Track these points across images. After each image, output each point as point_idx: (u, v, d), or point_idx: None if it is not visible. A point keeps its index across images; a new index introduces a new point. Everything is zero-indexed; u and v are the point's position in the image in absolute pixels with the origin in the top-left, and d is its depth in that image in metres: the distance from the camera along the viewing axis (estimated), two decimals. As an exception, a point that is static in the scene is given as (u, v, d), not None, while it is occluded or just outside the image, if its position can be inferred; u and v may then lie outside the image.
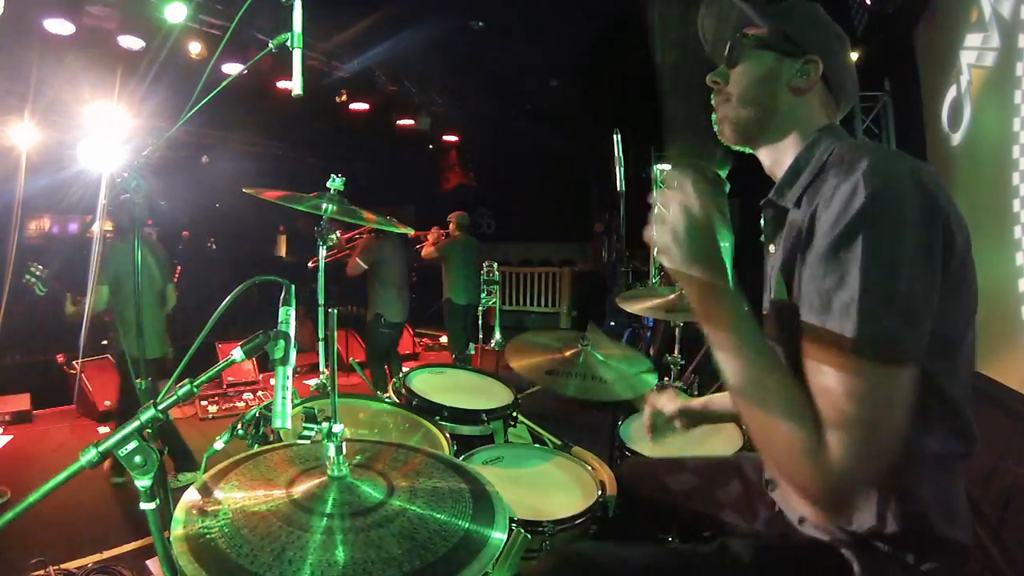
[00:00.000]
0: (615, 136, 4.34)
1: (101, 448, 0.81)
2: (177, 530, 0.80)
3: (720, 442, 1.92)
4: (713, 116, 1.07)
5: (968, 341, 0.88)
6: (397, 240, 4.77)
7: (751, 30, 1.02)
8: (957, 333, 0.86)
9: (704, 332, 0.89)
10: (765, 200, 1.04)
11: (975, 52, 3.01)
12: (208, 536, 0.79)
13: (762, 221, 1.08)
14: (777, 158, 1.03)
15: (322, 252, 2.26)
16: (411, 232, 2.51)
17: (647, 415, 1.46)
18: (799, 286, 0.86)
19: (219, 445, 1.17)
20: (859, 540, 0.92)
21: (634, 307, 2.40)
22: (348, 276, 4.61)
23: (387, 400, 1.99)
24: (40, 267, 3.52)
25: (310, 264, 4.77)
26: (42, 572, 2.37)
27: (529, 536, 1.30)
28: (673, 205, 0.88)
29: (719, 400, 1.41)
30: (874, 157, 0.82)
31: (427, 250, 5.44)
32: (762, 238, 1.09)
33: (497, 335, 4.14)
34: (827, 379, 0.79)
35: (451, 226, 5.46)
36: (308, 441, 0.92)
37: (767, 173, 1.07)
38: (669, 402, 1.43)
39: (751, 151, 1.08)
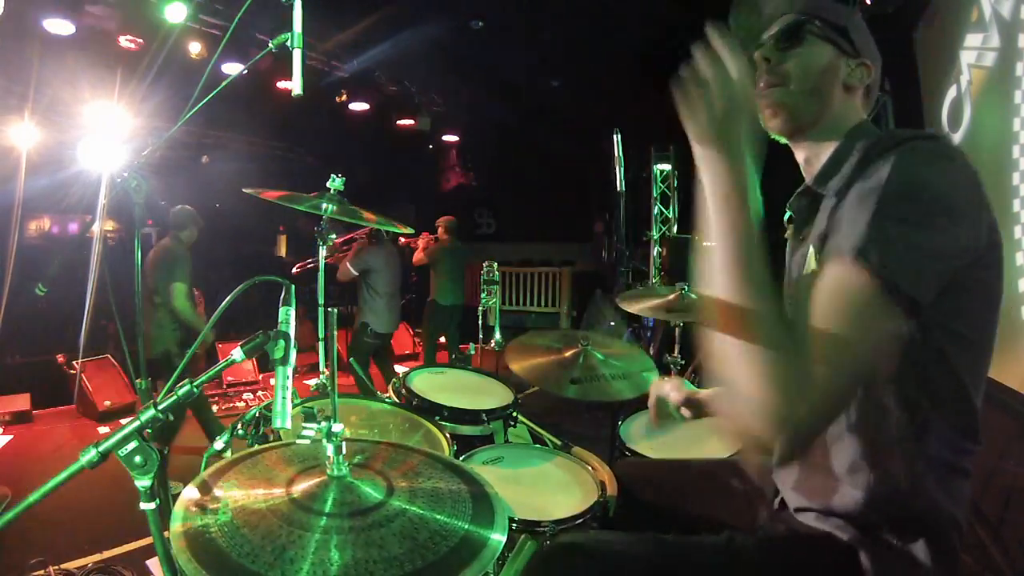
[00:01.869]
0: (615, 136, 4.35)
1: (101, 448, 0.80)
2: (176, 528, 0.80)
3: (720, 443, 1.92)
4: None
5: (988, 336, 0.90)
6: (392, 249, 4.72)
7: (821, 19, 1.01)
8: (980, 326, 0.88)
9: (714, 220, 0.83)
10: (802, 189, 1.05)
11: (975, 52, 3.01)
12: (208, 535, 0.79)
13: (788, 213, 1.09)
14: (817, 152, 1.04)
15: (322, 252, 2.26)
16: (410, 232, 2.50)
17: (653, 402, 1.44)
18: (832, 241, 0.86)
19: (219, 445, 1.16)
20: (860, 529, 0.92)
21: (634, 307, 2.40)
22: (338, 281, 4.54)
23: (387, 400, 1.99)
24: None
25: (295, 269, 4.77)
26: (42, 572, 2.37)
27: (537, 544, 1.30)
28: (717, 75, 0.79)
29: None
30: (918, 140, 0.85)
31: (417, 256, 5.44)
32: (786, 234, 1.11)
33: (497, 335, 4.14)
34: (820, 296, 0.79)
35: (440, 230, 5.46)
36: (308, 441, 0.92)
37: (801, 166, 1.08)
38: (674, 391, 1.40)
39: (787, 141, 1.06)
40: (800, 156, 1.07)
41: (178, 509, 0.84)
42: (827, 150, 1.02)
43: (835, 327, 0.76)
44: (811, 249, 0.97)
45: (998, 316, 0.91)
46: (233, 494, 0.89)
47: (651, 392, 1.45)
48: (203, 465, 1.12)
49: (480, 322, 4.41)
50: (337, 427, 0.92)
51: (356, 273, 4.48)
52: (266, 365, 5.72)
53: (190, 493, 0.89)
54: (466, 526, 0.88)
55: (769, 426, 0.77)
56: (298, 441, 0.92)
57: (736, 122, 0.79)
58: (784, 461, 1.09)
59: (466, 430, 1.91)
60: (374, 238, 4.54)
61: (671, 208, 7.74)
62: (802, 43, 1.00)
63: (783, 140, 1.06)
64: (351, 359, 5.54)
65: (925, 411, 0.87)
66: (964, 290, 0.83)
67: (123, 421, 0.83)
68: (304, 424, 0.91)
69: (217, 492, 0.89)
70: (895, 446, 0.89)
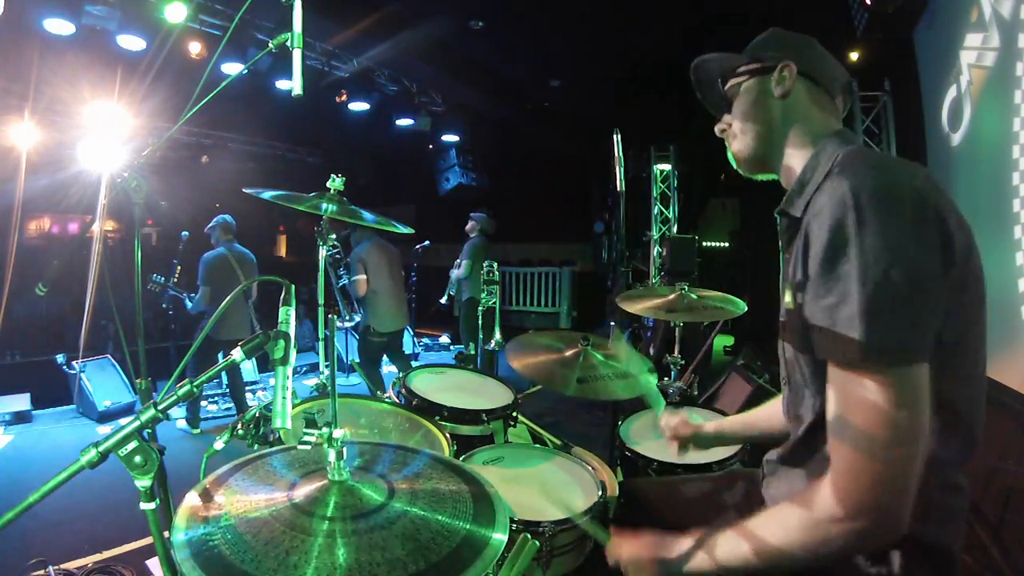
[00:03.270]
0: (615, 136, 4.33)
1: (101, 448, 0.80)
2: (179, 537, 0.80)
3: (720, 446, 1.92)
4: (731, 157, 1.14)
5: (969, 343, 0.87)
6: (386, 244, 4.58)
7: (733, 76, 1.10)
8: (957, 335, 0.85)
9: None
10: (778, 209, 1.05)
11: (975, 52, 3.01)
12: (211, 543, 0.79)
13: (779, 228, 1.09)
14: (790, 172, 1.05)
15: (322, 252, 2.26)
16: (410, 231, 2.48)
17: (669, 435, 1.46)
18: (804, 302, 0.87)
19: (219, 445, 1.17)
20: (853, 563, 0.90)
21: (634, 307, 2.40)
22: (362, 296, 4.43)
23: (387, 400, 1.99)
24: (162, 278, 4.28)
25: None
26: (42, 572, 2.37)
27: (538, 544, 1.30)
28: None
29: (730, 425, 1.44)
30: (862, 167, 0.84)
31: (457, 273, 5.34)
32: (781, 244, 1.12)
33: (497, 335, 4.14)
34: (843, 396, 0.80)
35: (469, 224, 5.43)
36: (308, 447, 0.92)
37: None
38: (683, 426, 1.44)
39: (774, 176, 1.10)
40: (783, 183, 1.09)
41: (180, 518, 0.84)
42: (797, 166, 1.02)
43: (885, 424, 0.77)
44: (788, 286, 0.96)
45: (981, 324, 0.89)
46: (235, 500, 0.89)
47: (663, 427, 1.47)
48: (203, 465, 1.12)
49: (480, 322, 4.41)
50: (338, 432, 0.91)
51: (365, 276, 4.38)
52: (266, 365, 5.72)
53: (192, 500, 0.89)
54: (467, 526, 0.88)
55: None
56: (299, 446, 0.91)
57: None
58: (770, 480, 1.09)
59: (466, 430, 1.92)
60: (355, 233, 4.48)
61: (671, 208, 7.75)
62: (733, 102, 1.10)
63: (771, 177, 1.11)
64: (353, 361, 5.55)
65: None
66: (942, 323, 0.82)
67: (123, 421, 0.83)
68: (305, 430, 0.91)
69: (219, 499, 0.89)
70: None
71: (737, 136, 1.09)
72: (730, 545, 0.90)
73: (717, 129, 1.14)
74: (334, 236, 2.23)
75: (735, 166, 1.13)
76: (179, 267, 4.60)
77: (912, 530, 0.82)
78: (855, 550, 0.84)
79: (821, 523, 0.81)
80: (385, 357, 4.86)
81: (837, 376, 0.83)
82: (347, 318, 4.77)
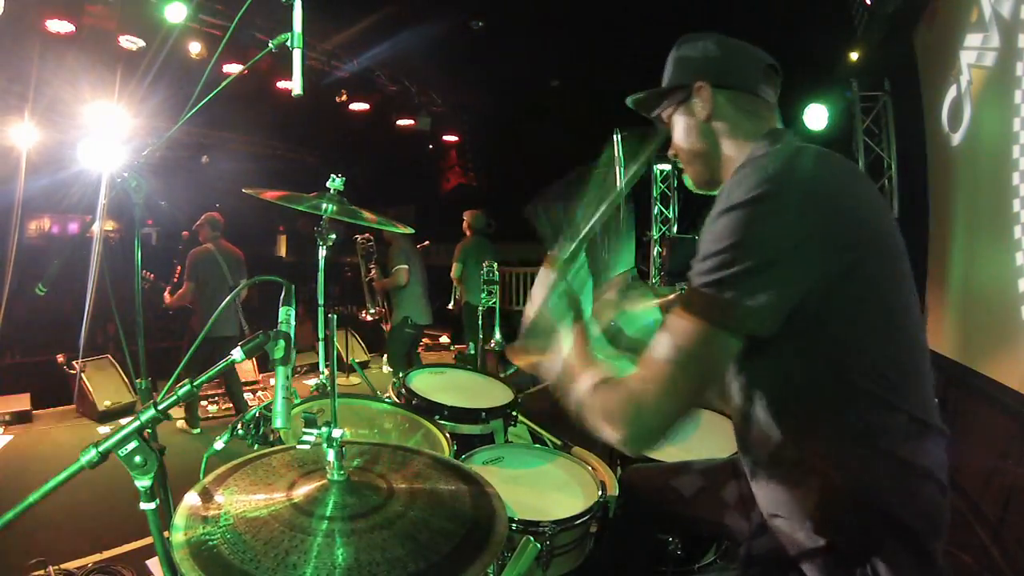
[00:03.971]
0: (615, 136, 4.33)
1: (101, 448, 0.80)
2: (179, 536, 0.80)
3: (721, 443, 1.92)
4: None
5: (877, 319, 0.88)
6: (412, 240, 4.70)
7: (661, 109, 1.14)
8: (855, 311, 0.87)
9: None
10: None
11: (975, 52, 3.01)
12: (211, 543, 0.79)
13: None
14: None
15: (322, 252, 2.26)
16: (410, 231, 2.49)
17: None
18: None
19: (219, 445, 1.17)
20: (817, 535, 0.91)
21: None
22: (403, 287, 4.57)
23: (387, 400, 1.99)
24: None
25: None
26: (42, 572, 2.37)
27: (539, 546, 1.30)
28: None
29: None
30: (748, 165, 0.90)
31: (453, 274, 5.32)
32: None
33: (497, 335, 4.13)
34: (664, 336, 0.88)
35: (464, 223, 5.42)
36: (308, 447, 0.92)
37: None
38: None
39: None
40: None
41: (180, 518, 0.84)
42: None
43: (666, 359, 0.86)
44: None
45: (906, 300, 0.92)
46: (234, 500, 0.89)
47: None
48: (203, 465, 1.12)
49: (480, 322, 4.41)
50: (337, 432, 0.91)
51: (407, 266, 4.51)
52: (266, 365, 5.72)
53: (191, 500, 0.89)
54: (467, 526, 0.88)
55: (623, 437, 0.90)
56: (299, 446, 0.92)
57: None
58: (755, 470, 1.09)
59: (466, 430, 1.92)
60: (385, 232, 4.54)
61: (671, 208, 7.74)
62: (672, 131, 1.13)
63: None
64: (353, 361, 5.54)
65: (845, 412, 0.88)
66: (835, 305, 0.85)
67: (123, 421, 0.83)
68: (304, 429, 0.91)
69: (218, 499, 0.89)
70: (827, 448, 0.89)
71: (684, 163, 1.13)
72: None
73: (669, 153, 1.17)
74: (334, 236, 2.22)
75: (693, 190, 1.17)
76: (179, 267, 4.61)
77: (860, 497, 0.87)
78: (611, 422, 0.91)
79: (593, 400, 0.96)
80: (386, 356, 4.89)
81: (673, 311, 0.90)
82: (371, 311, 4.84)
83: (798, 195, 0.84)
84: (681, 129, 1.10)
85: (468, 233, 5.47)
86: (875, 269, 0.87)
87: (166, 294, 4.36)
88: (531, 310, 1.17)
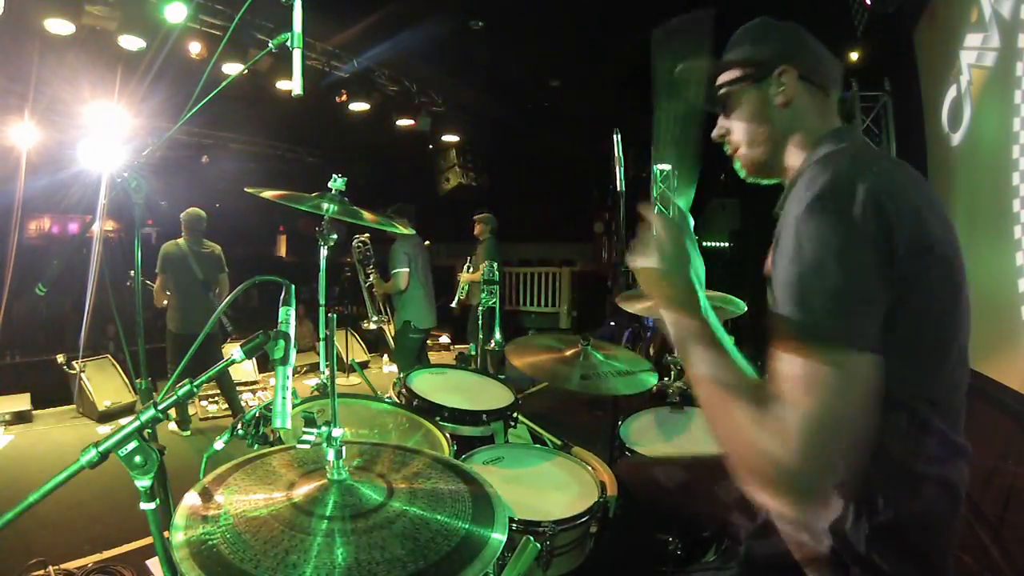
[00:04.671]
0: (615, 136, 4.32)
1: (101, 448, 0.81)
2: (178, 536, 0.80)
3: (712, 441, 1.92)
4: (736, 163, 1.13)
5: (930, 337, 0.86)
6: (419, 240, 4.62)
7: (725, 79, 1.07)
8: (911, 329, 0.85)
9: (674, 334, 0.95)
10: (773, 213, 1.06)
11: (975, 52, 3.01)
12: (210, 542, 0.79)
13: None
14: (790, 175, 1.06)
15: (323, 252, 2.26)
16: (411, 231, 2.49)
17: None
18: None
19: (219, 445, 1.17)
20: (830, 549, 0.90)
21: (634, 307, 2.40)
22: (403, 291, 4.46)
23: (387, 400, 1.99)
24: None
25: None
26: (42, 572, 2.37)
27: (539, 546, 1.30)
28: (658, 231, 0.99)
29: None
30: (822, 167, 0.87)
31: (473, 276, 5.19)
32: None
33: (497, 335, 4.13)
34: (778, 364, 0.82)
35: (478, 228, 5.37)
36: (308, 446, 0.92)
37: None
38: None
39: (779, 180, 1.10)
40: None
41: (180, 517, 0.84)
42: (795, 171, 1.04)
43: (805, 400, 0.78)
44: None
45: (953, 320, 0.89)
46: (234, 500, 0.89)
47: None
48: (203, 465, 1.12)
49: (480, 322, 4.40)
50: (337, 431, 0.91)
51: (407, 270, 4.40)
52: (266, 365, 5.72)
53: (191, 500, 0.89)
54: (467, 526, 0.88)
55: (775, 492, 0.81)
56: (298, 445, 0.92)
57: (678, 258, 0.96)
58: None
59: (466, 430, 1.91)
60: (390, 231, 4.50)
61: (671, 208, 7.73)
62: (730, 107, 1.08)
63: (771, 183, 1.11)
64: (353, 361, 5.54)
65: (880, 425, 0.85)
66: (899, 317, 0.83)
67: (123, 421, 0.83)
68: (304, 429, 0.91)
69: (218, 498, 0.89)
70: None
71: (741, 146, 1.08)
72: (692, 354, 0.93)
73: (715, 134, 1.12)
74: (335, 236, 2.22)
75: (740, 173, 1.12)
76: None
77: (873, 508, 0.85)
78: (761, 486, 0.82)
79: (759, 446, 0.80)
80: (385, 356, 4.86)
81: (778, 358, 0.83)
82: (372, 319, 4.78)
83: (882, 204, 0.82)
84: (751, 112, 1.05)
85: (485, 235, 5.38)
86: (937, 286, 0.86)
87: (155, 295, 4.34)
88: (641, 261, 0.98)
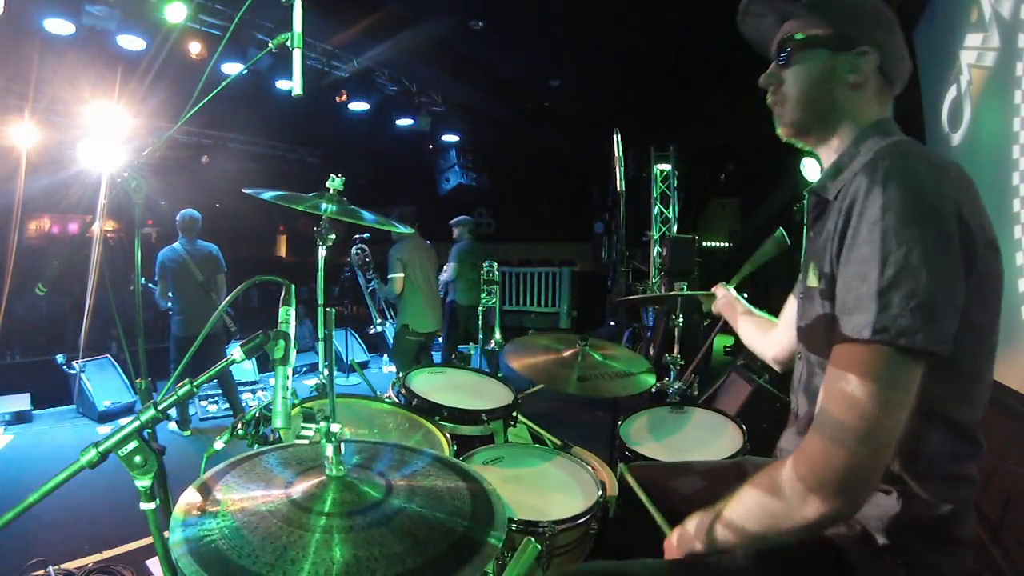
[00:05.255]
0: (615, 136, 4.34)
1: (101, 448, 0.81)
2: (176, 532, 0.80)
3: (721, 444, 1.92)
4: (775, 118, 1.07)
5: (977, 352, 0.89)
6: (421, 241, 4.60)
7: (801, 30, 1.01)
8: (969, 345, 0.86)
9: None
10: (811, 188, 1.05)
11: (975, 52, 3.01)
12: (209, 538, 0.79)
13: (806, 205, 1.09)
14: (828, 153, 1.04)
15: (321, 252, 2.26)
16: (410, 231, 2.49)
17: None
18: (828, 284, 0.90)
19: (219, 445, 1.17)
20: (860, 537, 0.92)
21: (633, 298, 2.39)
22: (399, 296, 4.46)
23: (387, 400, 1.99)
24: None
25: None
26: (42, 572, 2.37)
27: (540, 547, 1.30)
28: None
29: (754, 324, 1.54)
30: (897, 162, 0.84)
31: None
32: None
33: (497, 335, 4.14)
34: (843, 383, 0.81)
35: (455, 232, 5.40)
36: (307, 442, 0.92)
37: (821, 162, 1.08)
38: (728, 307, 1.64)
39: (805, 146, 1.08)
40: (821, 155, 1.07)
41: (178, 513, 0.84)
42: (835, 149, 1.02)
43: (863, 407, 0.79)
44: (812, 266, 0.98)
45: (997, 315, 0.91)
46: (232, 496, 0.89)
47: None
48: (203, 465, 1.12)
49: (480, 322, 4.41)
50: (335, 427, 0.91)
51: (401, 275, 4.39)
52: (266, 365, 5.72)
53: (190, 496, 0.89)
54: (465, 523, 0.88)
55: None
56: (296, 440, 0.92)
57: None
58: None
59: (466, 430, 1.92)
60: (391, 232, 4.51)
61: (671, 208, 7.75)
62: (792, 60, 1.01)
63: (798, 145, 1.08)
64: (353, 361, 5.54)
65: (921, 420, 0.87)
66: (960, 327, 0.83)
67: (123, 421, 0.83)
68: (303, 424, 0.91)
69: (217, 495, 0.89)
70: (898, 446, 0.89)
71: (788, 103, 1.03)
72: (721, 535, 0.94)
73: (763, 79, 1.05)
74: (334, 236, 2.22)
75: (776, 125, 1.07)
76: None
77: (934, 523, 0.87)
78: (812, 533, 0.85)
79: (786, 510, 0.84)
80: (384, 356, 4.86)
81: (839, 355, 0.84)
82: (377, 323, 4.77)
83: (964, 217, 0.82)
84: (815, 77, 0.99)
85: (462, 236, 5.42)
86: (988, 292, 0.88)
87: (158, 299, 4.35)
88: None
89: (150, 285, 4.40)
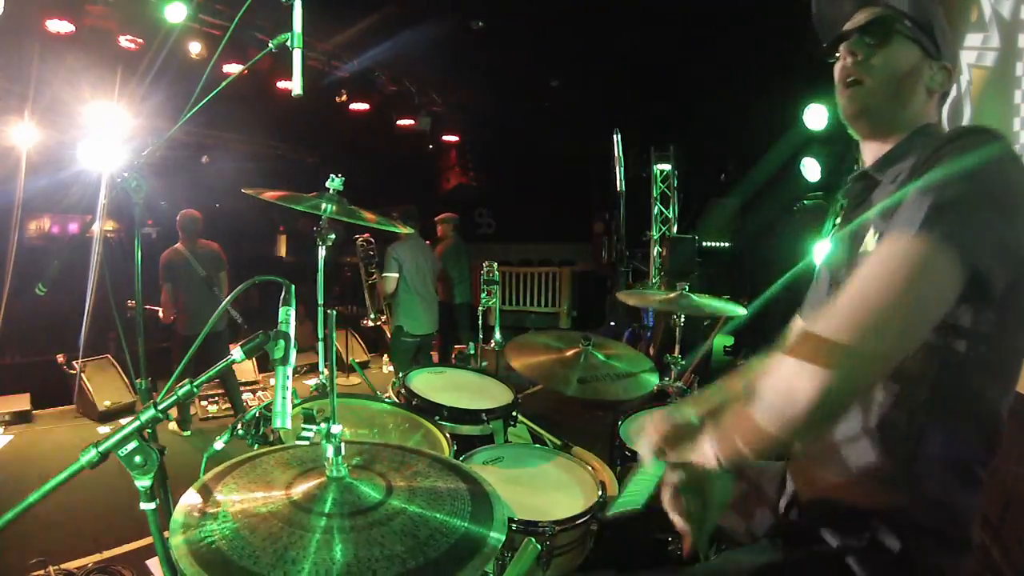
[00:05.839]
0: (615, 136, 4.34)
1: (101, 448, 0.81)
2: (177, 534, 0.80)
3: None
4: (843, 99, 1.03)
5: (1014, 343, 0.88)
6: (419, 242, 4.59)
7: (894, 20, 0.99)
8: (1009, 332, 0.86)
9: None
10: (858, 174, 1.04)
11: (975, 52, 3.01)
12: (209, 540, 0.79)
13: (847, 190, 1.08)
14: (883, 145, 1.03)
15: (321, 252, 2.26)
16: (410, 231, 2.49)
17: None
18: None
19: (219, 445, 1.17)
20: (868, 546, 0.91)
21: (633, 300, 2.39)
22: (390, 295, 4.43)
23: (387, 400, 2.00)
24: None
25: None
26: (42, 572, 2.37)
27: (540, 547, 1.30)
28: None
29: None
30: (978, 139, 0.83)
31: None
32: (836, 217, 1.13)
33: (497, 335, 4.13)
34: (877, 265, 0.80)
35: (440, 228, 5.42)
36: (307, 443, 0.92)
37: (863, 153, 1.07)
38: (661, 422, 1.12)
39: (855, 133, 1.06)
40: (865, 147, 1.06)
41: (178, 515, 0.84)
42: (890, 143, 1.01)
43: (886, 293, 0.77)
44: (871, 231, 0.95)
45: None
46: (233, 498, 0.89)
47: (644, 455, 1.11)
48: (203, 466, 1.12)
49: (480, 322, 4.40)
50: (336, 428, 0.91)
51: (396, 275, 4.37)
52: (266, 365, 5.72)
53: (190, 498, 0.89)
54: (466, 524, 0.88)
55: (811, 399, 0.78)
56: (297, 442, 0.92)
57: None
58: (801, 457, 1.09)
59: (466, 430, 1.92)
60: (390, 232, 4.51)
61: (671, 208, 7.74)
62: (890, 41, 0.99)
63: (850, 130, 1.06)
64: (353, 361, 5.54)
65: (932, 415, 0.87)
66: (1007, 305, 0.82)
67: (123, 421, 0.83)
68: (303, 425, 0.91)
69: (217, 496, 0.89)
70: (899, 446, 0.89)
71: (871, 82, 0.99)
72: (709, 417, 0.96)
73: (848, 47, 1.01)
74: (333, 236, 2.22)
75: (840, 105, 1.04)
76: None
77: (944, 524, 0.87)
78: (809, 420, 0.80)
79: (783, 384, 0.81)
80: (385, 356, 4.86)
81: (879, 246, 0.82)
82: (372, 316, 4.78)
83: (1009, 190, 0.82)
84: (903, 70, 0.98)
85: (448, 234, 5.44)
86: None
87: (160, 314, 4.31)
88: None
89: (154, 308, 4.36)
